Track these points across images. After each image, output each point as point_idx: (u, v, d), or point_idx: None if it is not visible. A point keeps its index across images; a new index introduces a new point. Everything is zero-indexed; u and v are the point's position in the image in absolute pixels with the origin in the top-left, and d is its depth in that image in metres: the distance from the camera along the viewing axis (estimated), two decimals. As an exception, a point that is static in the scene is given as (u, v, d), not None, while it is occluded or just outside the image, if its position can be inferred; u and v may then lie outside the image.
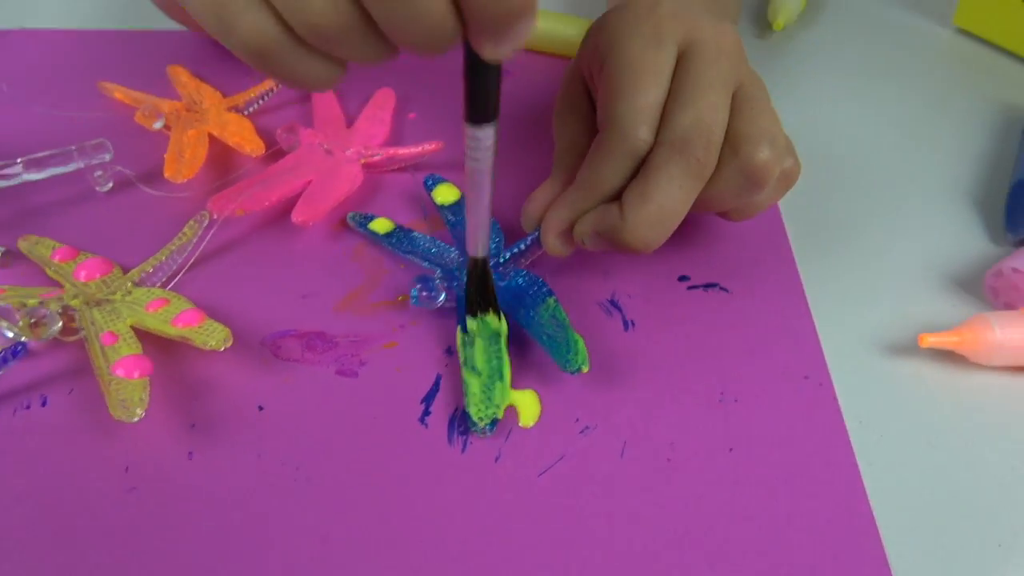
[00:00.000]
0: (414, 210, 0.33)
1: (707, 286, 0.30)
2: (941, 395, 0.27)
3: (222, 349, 0.25)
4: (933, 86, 0.41)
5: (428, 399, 0.26)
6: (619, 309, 0.29)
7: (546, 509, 0.23)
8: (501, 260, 0.30)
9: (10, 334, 0.26)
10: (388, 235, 0.31)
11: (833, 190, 0.34)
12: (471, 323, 0.27)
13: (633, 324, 0.29)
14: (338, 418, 0.25)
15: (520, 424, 0.25)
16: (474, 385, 0.26)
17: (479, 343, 0.27)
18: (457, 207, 0.32)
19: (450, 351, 0.28)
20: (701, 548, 0.22)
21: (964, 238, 0.32)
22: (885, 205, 0.34)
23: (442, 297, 0.28)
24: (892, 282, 0.31)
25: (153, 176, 0.35)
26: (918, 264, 0.31)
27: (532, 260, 0.30)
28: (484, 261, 0.26)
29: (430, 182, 0.34)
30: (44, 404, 0.26)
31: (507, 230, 0.31)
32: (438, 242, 0.31)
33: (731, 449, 0.25)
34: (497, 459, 0.24)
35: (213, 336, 0.25)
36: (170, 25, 0.44)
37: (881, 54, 0.43)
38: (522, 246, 0.30)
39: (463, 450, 0.24)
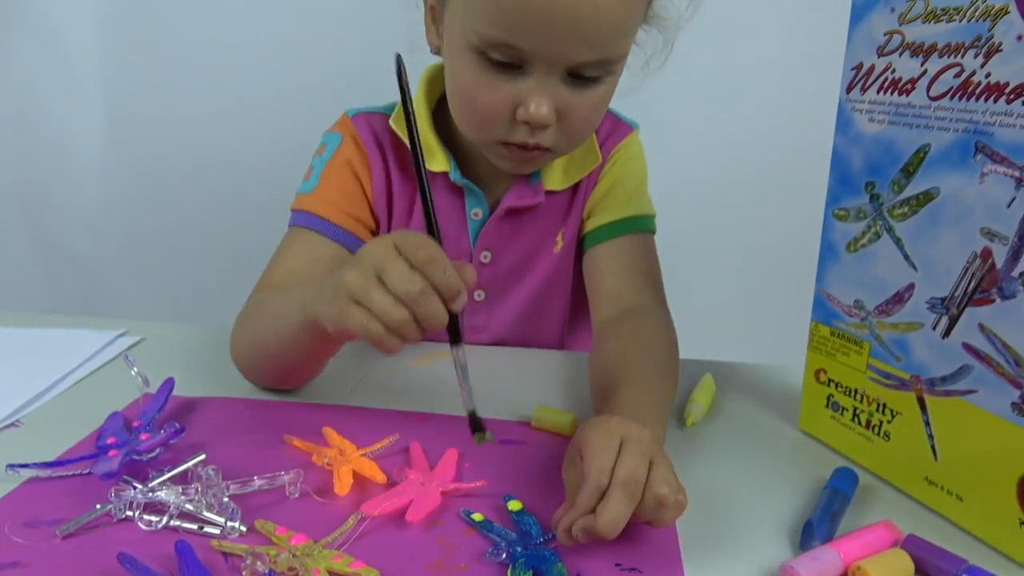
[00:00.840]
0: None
1: (631, 569, 0.54)
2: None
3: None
4: (779, 468, 0.69)
5: (476, 616, 0.49)
6: (581, 579, 0.53)
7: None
8: (540, 541, 0.55)
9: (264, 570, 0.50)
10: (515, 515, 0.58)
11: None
12: None
13: (588, 587, 0.52)
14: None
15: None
16: None
17: None
18: (519, 514, 0.58)
19: (488, 594, 0.51)
20: None
21: (777, 556, 0.57)
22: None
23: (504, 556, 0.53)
24: None
25: (321, 491, 0.61)
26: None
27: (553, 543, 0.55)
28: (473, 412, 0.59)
29: (506, 497, 0.60)
30: (276, 606, 0.49)
31: (543, 525, 0.57)
32: (509, 531, 0.57)
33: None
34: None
35: (371, 573, 0.49)
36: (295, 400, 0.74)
37: (749, 449, 0.72)
38: (550, 535, 0.55)
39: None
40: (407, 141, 0.82)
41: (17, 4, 1.60)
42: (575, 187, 0.90)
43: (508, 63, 0.70)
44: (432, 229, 0.60)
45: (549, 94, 0.71)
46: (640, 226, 0.90)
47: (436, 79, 0.87)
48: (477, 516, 0.58)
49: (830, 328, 0.71)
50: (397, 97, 0.63)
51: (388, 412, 0.76)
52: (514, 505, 0.59)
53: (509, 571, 0.52)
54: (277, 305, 0.71)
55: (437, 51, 0.81)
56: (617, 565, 0.54)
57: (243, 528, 0.56)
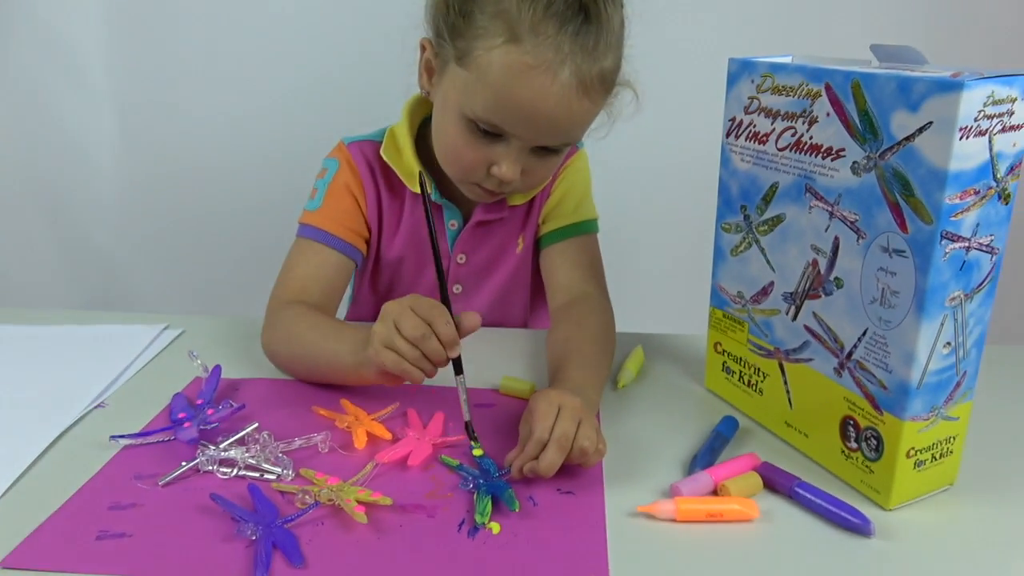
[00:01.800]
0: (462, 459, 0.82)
1: (567, 492, 0.77)
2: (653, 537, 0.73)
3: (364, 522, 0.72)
4: (686, 417, 0.92)
5: (461, 525, 0.72)
6: (532, 500, 0.76)
7: None
8: (497, 476, 0.77)
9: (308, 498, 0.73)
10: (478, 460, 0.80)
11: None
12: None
13: (533, 500, 0.75)
14: (424, 534, 0.72)
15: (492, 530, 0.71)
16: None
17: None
18: (481, 459, 0.81)
19: (465, 522, 0.74)
20: None
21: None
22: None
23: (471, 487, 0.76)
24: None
25: (344, 446, 0.84)
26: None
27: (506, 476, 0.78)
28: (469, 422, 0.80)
29: (472, 447, 0.83)
30: (321, 524, 0.72)
31: (499, 464, 0.79)
32: (474, 470, 0.79)
33: None
34: (483, 543, 0.70)
35: (381, 500, 0.72)
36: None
37: (666, 404, 0.95)
38: (504, 471, 0.78)
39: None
40: (401, 175, 1.04)
41: (21, 5, 1.72)
42: (532, 199, 1.11)
43: (492, 133, 0.91)
44: (444, 290, 0.82)
45: (519, 161, 0.92)
46: (585, 229, 1.12)
47: (417, 108, 1.07)
48: (452, 461, 0.81)
49: (722, 311, 0.94)
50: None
51: (390, 387, 0.99)
52: (477, 451, 0.82)
53: (475, 497, 0.75)
54: (326, 343, 0.92)
55: (427, 94, 1.00)
56: (557, 489, 0.78)
57: (292, 474, 0.78)
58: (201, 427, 0.83)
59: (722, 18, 1.67)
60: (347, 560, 0.68)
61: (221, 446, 0.80)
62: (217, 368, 0.96)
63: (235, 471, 0.78)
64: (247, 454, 0.79)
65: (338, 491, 0.75)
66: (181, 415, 0.87)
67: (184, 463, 0.79)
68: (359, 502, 0.73)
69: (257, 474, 0.78)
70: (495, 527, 0.72)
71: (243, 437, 0.82)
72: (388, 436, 0.85)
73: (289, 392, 0.96)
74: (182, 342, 1.09)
